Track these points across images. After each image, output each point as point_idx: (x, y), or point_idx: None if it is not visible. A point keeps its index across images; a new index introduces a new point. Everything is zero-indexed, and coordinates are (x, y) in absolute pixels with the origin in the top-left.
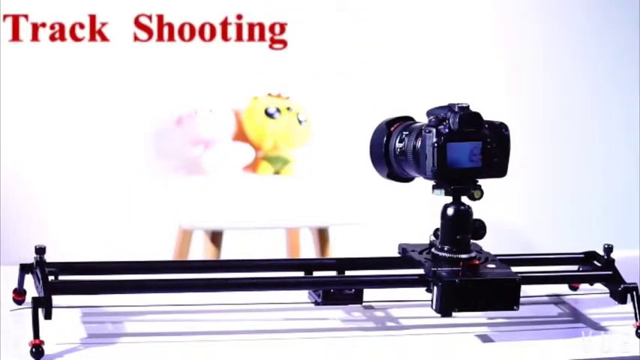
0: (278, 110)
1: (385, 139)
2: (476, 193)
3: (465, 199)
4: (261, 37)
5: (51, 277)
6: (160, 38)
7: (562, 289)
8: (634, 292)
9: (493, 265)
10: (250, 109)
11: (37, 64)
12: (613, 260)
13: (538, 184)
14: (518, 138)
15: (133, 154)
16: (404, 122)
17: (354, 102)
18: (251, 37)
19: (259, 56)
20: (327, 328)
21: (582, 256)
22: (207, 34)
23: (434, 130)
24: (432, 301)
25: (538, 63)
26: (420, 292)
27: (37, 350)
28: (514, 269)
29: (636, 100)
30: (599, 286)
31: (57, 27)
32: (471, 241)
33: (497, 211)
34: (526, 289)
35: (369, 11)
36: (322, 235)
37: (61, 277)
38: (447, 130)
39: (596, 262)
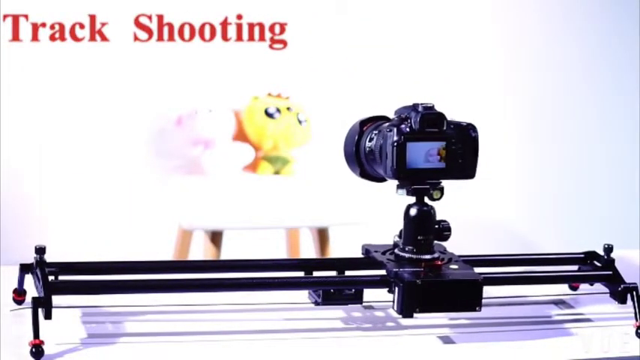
0: (278, 110)
1: (357, 138)
2: (435, 193)
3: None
4: (261, 37)
5: (51, 277)
6: (160, 38)
7: (562, 289)
8: (634, 292)
9: (456, 266)
10: (250, 109)
11: (37, 64)
12: (613, 260)
13: (538, 185)
14: (518, 138)
15: (133, 153)
16: (377, 122)
17: (354, 102)
18: (251, 37)
19: (259, 56)
20: (327, 328)
21: (582, 256)
22: (207, 34)
23: (395, 129)
24: (393, 302)
25: (538, 63)
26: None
27: (37, 350)
28: (516, 269)
29: (636, 100)
30: (599, 286)
31: (57, 27)
32: (436, 242)
33: (498, 211)
34: (527, 289)
35: (368, 11)
36: (322, 235)
37: (61, 277)
38: (407, 130)
39: (596, 262)
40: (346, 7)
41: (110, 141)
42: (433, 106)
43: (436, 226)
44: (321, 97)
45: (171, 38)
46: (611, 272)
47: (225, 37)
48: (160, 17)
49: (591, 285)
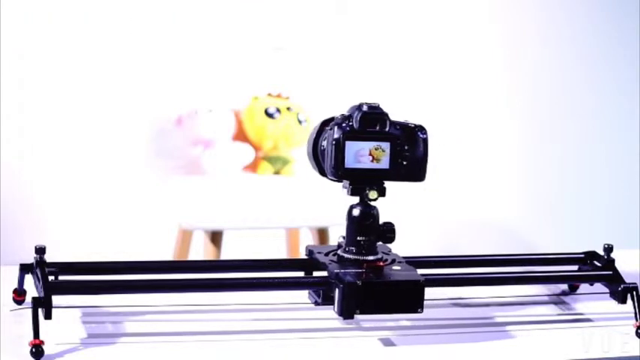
0: (278, 110)
1: (315, 136)
2: (371, 193)
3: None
4: (261, 38)
5: (51, 277)
6: (160, 38)
7: (562, 289)
8: (634, 292)
9: (398, 267)
10: (250, 109)
11: (37, 63)
12: (613, 260)
13: (538, 184)
14: (518, 138)
15: (133, 154)
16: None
17: (354, 102)
18: (251, 37)
19: (259, 56)
20: (327, 328)
21: (582, 256)
22: (207, 34)
23: (335, 128)
24: (334, 303)
25: (538, 63)
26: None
27: (37, 350)
28: (516, 269)
29: (636, 100)
30: (599, 286)
31: (57, 27)
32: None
33: (498, 211)
34: (527, 289)
35: (368, 12)
36: (322, 235)
37: (61, 277)
38: (347, 129)
39: (596, 262)
40: (346, 7)
41: (110, 141)
42: (378, 106)
43: (380, 228)
44: (321, 97)
45: (171, 38)
46: (611, 272)
47: (225, 38)
48: (160, 17)
49: (591, 285)
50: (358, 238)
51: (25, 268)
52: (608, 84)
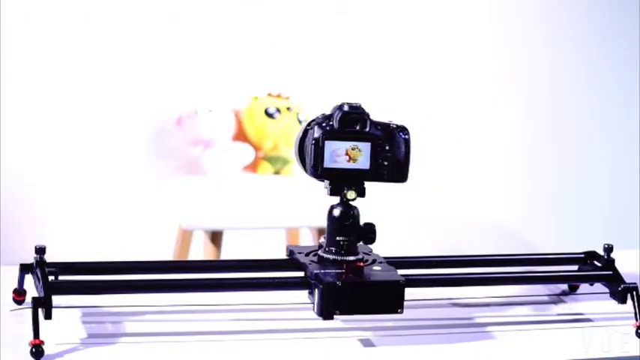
0: (278, 110)
1: (302, 136)
2: (349, 193)
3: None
4: (261, 38)
5: (51, 277)
6: (161, 38)
7: (562, 289)
8: (634, 292)
9: (379, 268)
10: (250, 109)
11: (37, 63)
12: (613, 260)
13: (538, 184)
14: (518, 138)
15: (133, 154)
16: None
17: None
18: (251, 38)
19: (259, 56)
20: (327, 328)
21: (582, 256)
22: (207, 34)
23: (315, 127)
24: (313, 304)
25: (538, 63)
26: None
27: (37, 350)
28: (516, 269)
29: (636, 100)
30: (599, 286)
31: (57, 27)
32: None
33: (498, 211)
34: (528, 289)
35: (368, 12)
36: (322, 235)
37: (61, 277)
38: (327, 128)
39: (596, 262)
40: (346, 7)
41: (110, 141)
42: (359, 106)
43: (361, 228)
44: (321, 97)
45: (171, 38)
46: (611, 272)
47: (225, 37)
48: (160, 17)
49: (591, 285)
50: (338, 238)
51: (25, 268)
52: (608, 84)
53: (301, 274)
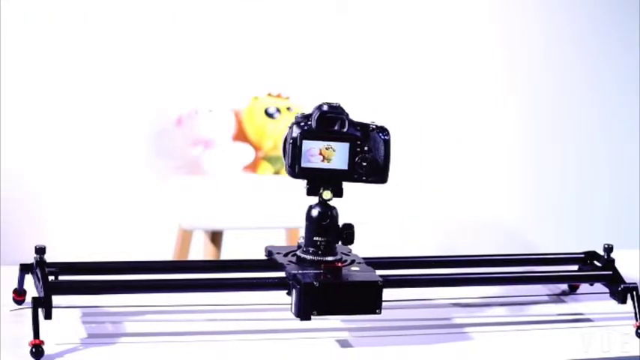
0: (278, 110)
1: (285, 135)
2: (325, 193)
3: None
4: (261, 38)
5: (51, 277)
6: (161, 38)
7: (562, 289)
8: (634, 292)
9: (357, 268)
10: (250, 109)
11: (37, 63)
12: (613, 260)
13: (538, 184)
14: (518, 138)
15: (133, 154)
16: None
17: (353, 102)
18: (251, 37)
19: (259, 56)
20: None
21: (582, 256)
22: (207, 34)
23: (294, 127)
24: (291, 304)
25: (538, 63)
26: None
27: (37, 350)
28: (515, 269)
29: (636, 100)
30: (599, 286)
31: (57, 26)
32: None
33: (498, 211)
34: (529, 289)
35: (369, 12)
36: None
37: (61, 277)
38: (305, 128)
39: (596, 262)
40: (346, 7)
41: (110, 141)
42: (338, 106)
43: (339, 229)
44: (321, 97)
45: (171, 38)
46: (611, 272)
47: (225, 37)
48: (160, 17)
49: (591, 285)
50: (315, 238)
51: (25, 268)
52: (608, 84)
53: (280, 274)
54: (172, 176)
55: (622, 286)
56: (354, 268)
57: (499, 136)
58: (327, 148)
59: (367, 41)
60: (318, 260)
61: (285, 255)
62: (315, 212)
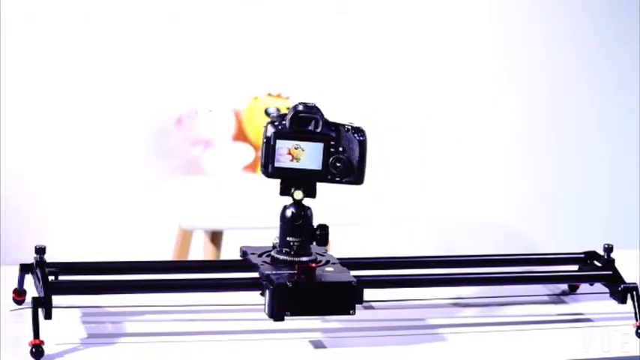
0: (278, 110)
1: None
2: (296, 193)
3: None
4: (261, 38)
5: (51, 277)
6: (161, 38)
7: (562, 289)
8: (634, 292)
9: (331, 269)
10: (250, 109)
11: (37, 63)
12: (613, 260)
13: (538, 184)
14: (518, 138)
15: (133, 154)
16: None
17: (353, 102)
18: (251, 37)
19: (259, 56)
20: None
21: (582, 256)
22: (207, 34)
23: (268, 126)
24: (264, 305)
25: (538, 63)
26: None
27: (37, 350)
28: (515, 269)
29: (636, 100)
30: (599, 286)
31: (57, 27)
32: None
33: (498, 211)
34: (528, 289)
35: (369, 12)
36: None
37: (61, 277)
38: (280, 127)
39: (596, 262)
40: (346, 7)
41: (110, 141)
42: (314, 106)
43: (313, 229)
44: (321, 97)
45: (171, 38)
46: (611, 272)
47: (225, 37)
48: (160, 17)
49: (591, 285)
50: (289, 238)
51: (25, 268)
52: (608, 84)
53: (254, 274)
54: (172, 176)
55: (622, 286)
56: (328, 268)
57: (499, 136)
58: (295, 148)
59: (367, 41)
60: (292, 261)
61: (260, 255)
62: (288, 212)
